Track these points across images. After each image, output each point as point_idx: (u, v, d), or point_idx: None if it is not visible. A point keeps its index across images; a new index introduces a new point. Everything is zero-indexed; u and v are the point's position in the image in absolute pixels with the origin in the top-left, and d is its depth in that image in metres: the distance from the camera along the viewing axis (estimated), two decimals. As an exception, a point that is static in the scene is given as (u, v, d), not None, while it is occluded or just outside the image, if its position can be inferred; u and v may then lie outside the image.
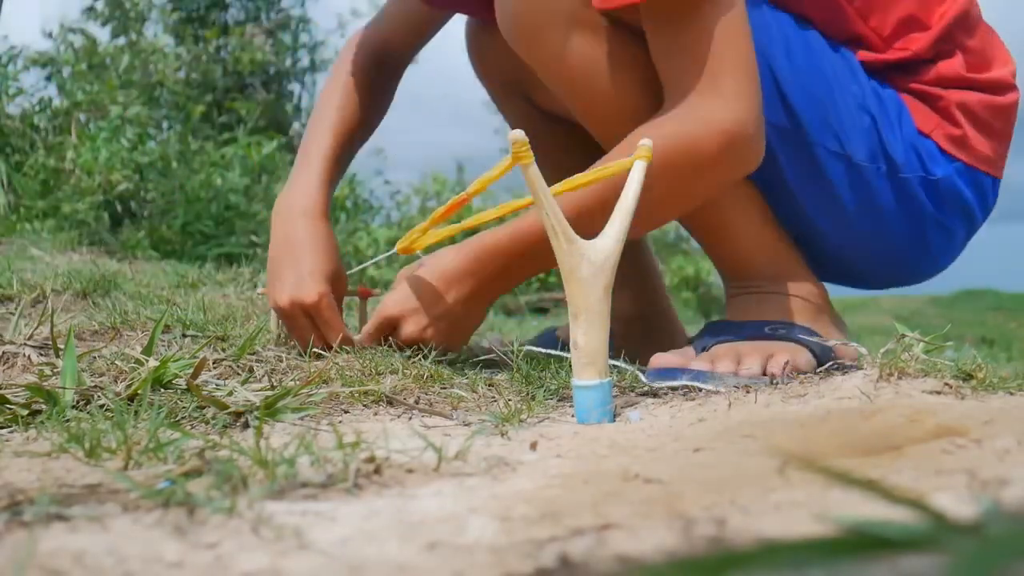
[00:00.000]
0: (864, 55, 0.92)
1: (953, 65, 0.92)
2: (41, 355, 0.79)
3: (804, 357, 0.82)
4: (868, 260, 0.97)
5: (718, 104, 0.78)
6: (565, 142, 1.12)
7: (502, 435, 0.58)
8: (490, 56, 1.13)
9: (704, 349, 0.86)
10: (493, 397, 0.75)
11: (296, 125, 5.16)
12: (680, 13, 0.78)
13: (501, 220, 0.87)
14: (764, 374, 0.78)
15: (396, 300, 0.88)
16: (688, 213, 0.92)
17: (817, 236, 0.94)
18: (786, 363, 0.79)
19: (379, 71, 1.12)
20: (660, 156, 0.77)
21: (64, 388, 0.62)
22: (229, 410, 0.60)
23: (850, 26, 0.91)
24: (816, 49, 0.89)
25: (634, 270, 1.20)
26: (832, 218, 0.91)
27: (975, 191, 0.94)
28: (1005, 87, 0.94)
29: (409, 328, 0.87)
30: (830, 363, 0.77)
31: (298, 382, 0.72)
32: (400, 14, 1.13)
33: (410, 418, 0.66)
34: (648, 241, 1.25)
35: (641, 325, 1.14)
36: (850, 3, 0.91)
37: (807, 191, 0.90)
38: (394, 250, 0.96)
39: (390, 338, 0.90)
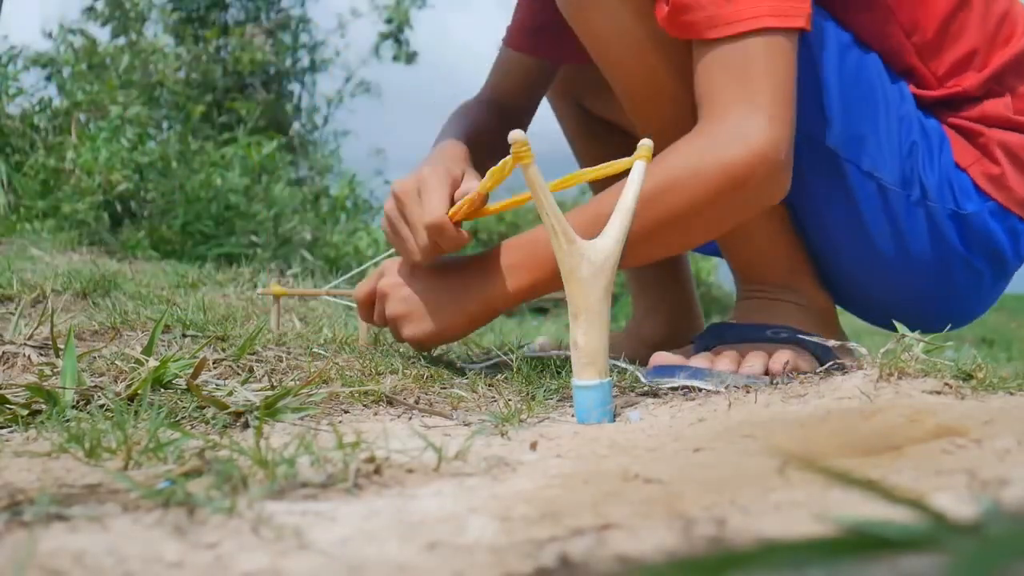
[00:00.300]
0: (913, 90, 0.91)
1: (998, 105, 0.91)
2: (41, 355, 0.79)
3: (805, 358, 0.82)
4: (890, 292, 0.94)
5: (754, 124, 0.76)
6: (618, 150, 1.15)
7: (502, 435, 0.58)
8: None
9: (707, 348, 0.86)
10: (493, 397, 0.75)
11: (296, 125, 5.16)
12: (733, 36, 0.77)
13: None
14: (765, 374, 0.78)
15: (389, 278, 0.85)
16: (717, 236, 0.89)
17: (837, 258, 0.92)
18: (786, 363, 0.79)
19: (492, 115, 1.11)
20: (690, 172, 0.76)
21: (64, 388, 0.62)
22: (229, 410, 0.60)
23: (907, 60, 0.90)
24: (870, 67, 0.87)
25: (667, 294, 1.22)
26: (854, 240, 0.90)
27: (1008, 235, 0.91)
28: None
29: (389, 307, 0.85)
30: (831, 363, 0.77)
31: (298, 382, 0.72)
32: (503, 65, 1.15)
33: (410, 418, 0.66)
34: (688, 266, 1.26)
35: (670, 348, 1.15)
36: (908, 38, 0.89)
37: (832, 209, 0.88)
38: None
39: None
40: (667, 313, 1.22)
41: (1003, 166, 0.90)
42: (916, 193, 0.88)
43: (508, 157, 0.66)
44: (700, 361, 0.80)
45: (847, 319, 1.05)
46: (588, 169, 0.76)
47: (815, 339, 0.84)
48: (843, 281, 0.94)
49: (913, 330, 0.96)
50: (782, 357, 0.80)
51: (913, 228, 0.89)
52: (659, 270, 1.22)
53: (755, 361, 0.79)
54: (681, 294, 1.24)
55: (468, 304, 0.82)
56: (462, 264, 0.84)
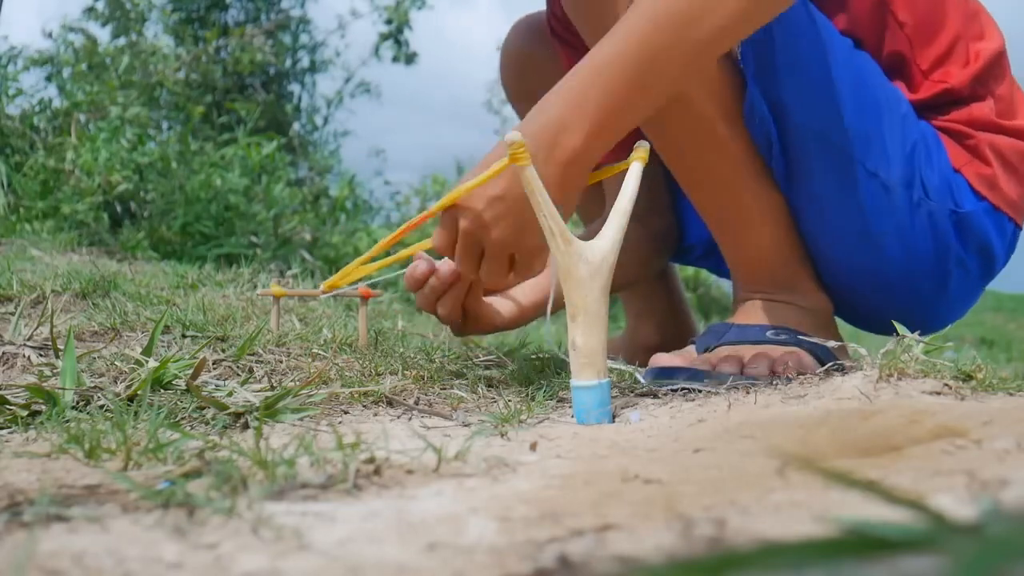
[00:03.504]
0: (902, 89, 0.92)
1: (984, 109, 0.93)
2: (41, 356, 0.79)
3: (807, 360, 0.82)
4: (887, 294, 0.95)
5: None
6: None
7: (502, 436, 0.58)
8: (513, 70, 1.22)
9: (707, 349, 0.86)
10: (493, 398, 0.75)
11: (296, 126, 5.16)
12: None
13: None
14: (765, 375, 0.78)
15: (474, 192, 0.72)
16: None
17: (836, 259, 0.92)
18: (786, 364, 0.79)
19: None
20: None
21: (64, 388, 0.62)
22: (229, 411, 0.60)
23: (898, 48, 0.91)
24: (874, 68, 0.89)
25: (655, 301, 1.24)
26: (856, 241, 0.90)
27: (998, 233, 0.93)
28: None
29: (467, 219, 0.72)
30: (831, 364, 0.77)
31: (298, 383, 0.72)
32: None
33: (410, 419, 0.66)
34: (675, 271, 1.28)
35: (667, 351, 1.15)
36: (901, 28, 0.91)
37: (837, 208, 0.88)
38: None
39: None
40: (657, 319, 1.24)
41: (994, 167, 0.92)
42: (918, 193, 0.88)
43: (502, 160, 0.66)
44: (700, 362, 0.80)
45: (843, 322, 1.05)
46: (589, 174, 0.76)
47: (815, 340, 0.84)
48: (840, 284, 0.94)
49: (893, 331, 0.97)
50: (782, 358, 0.80)
51: (915, 228, 0.89)
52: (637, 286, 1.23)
53: (755, 362, 0.79)
54: (669, 300, 1.26)
55: (579, 170, 0.71)
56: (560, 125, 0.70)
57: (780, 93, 0.83)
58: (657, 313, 1.25)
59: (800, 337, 0.84)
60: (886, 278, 0.93)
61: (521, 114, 1.25)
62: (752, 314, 0.90)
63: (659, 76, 0.71)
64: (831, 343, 0.82)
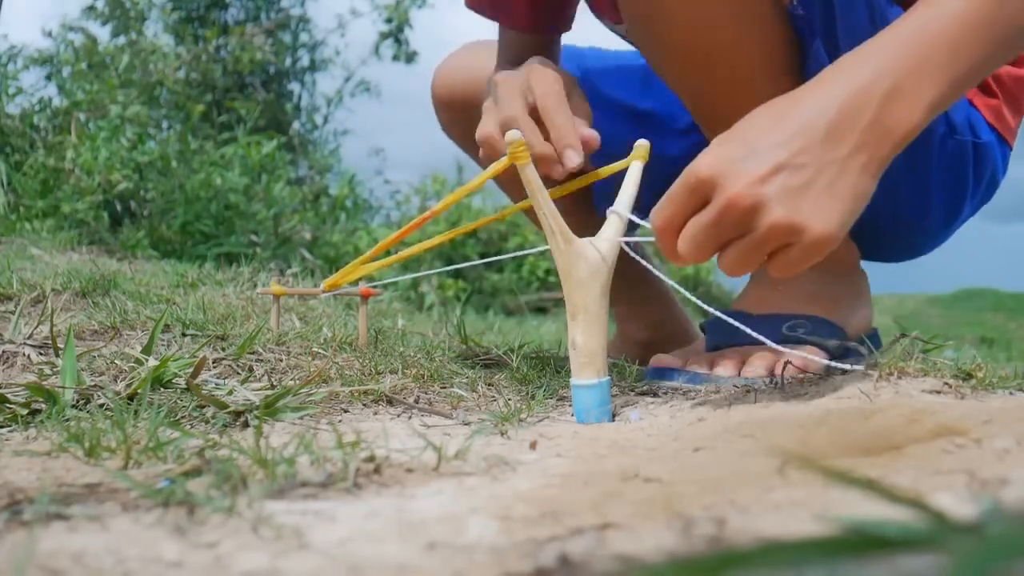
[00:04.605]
0: None
1: None
2: (41, 354, 0.79)
3: (813, 359, 0.80)
4: (898, 226, 0.94)
5: None
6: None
7: (502, 435, 0.58)
8: (448, 116, 1.18)
9: (715, 347, 0.84)
10: (493, 397, 0.75)
11: (296, 125, 5.16)
12: None
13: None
14: (765, 376, 0.77)
15: (714, 156, 0.57)
16: None
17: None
18: (788, 364, 0.78)
19: None
20: None
21: (64, 387, 0.62)
22: (229, 409, 0.60)
23: None
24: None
25: (637, 300, 1.23)
26: (892, 177, 0.88)
27: (1002, 162, 0.97)
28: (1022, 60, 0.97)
29: (738, 186, 0.54)
30: (830, 361, 0.76)
31: (298, 381, 0.72)
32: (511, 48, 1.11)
33: (410, 417, 0.66)
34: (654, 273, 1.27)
35: (652, 352, 1.13)
36: None
37: None
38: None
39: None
40: (645, 316, 1.23)
41: (999, 98, 0.94)
42: (943, 128, 0.89)
43: (503, 158, 0.66)
44: (699, 365, 0.80)
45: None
46: (588, 174, 0.76)
47: (834, 342, 0.81)
48: (863, 222, 0.92)
49: (891, 259, 0.98)
50: (785, 360, 0.79)
51: (943, 161, 0.90)
52: (620, 281, 1.22)
53: (757, 364, 0.78)
54: (652, 295, 1.24)
55: (870, 171, 0.58)
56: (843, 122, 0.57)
57: (838, 55, 0.81)
58: (642, 311, 1.23)
59: (814, 334, 0.81)
60: (909, 212, 0.93)
61: (460, 143, 1.21)
62: (769, 298, 0.86)
63: (1003, 44, 0.62)
64: (833, 342, 0.81)
